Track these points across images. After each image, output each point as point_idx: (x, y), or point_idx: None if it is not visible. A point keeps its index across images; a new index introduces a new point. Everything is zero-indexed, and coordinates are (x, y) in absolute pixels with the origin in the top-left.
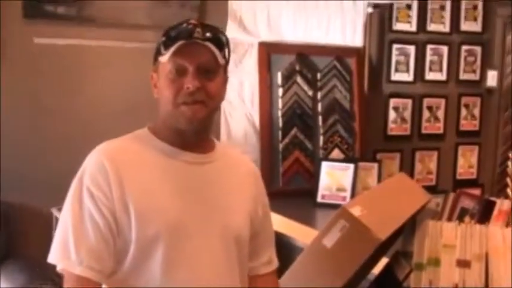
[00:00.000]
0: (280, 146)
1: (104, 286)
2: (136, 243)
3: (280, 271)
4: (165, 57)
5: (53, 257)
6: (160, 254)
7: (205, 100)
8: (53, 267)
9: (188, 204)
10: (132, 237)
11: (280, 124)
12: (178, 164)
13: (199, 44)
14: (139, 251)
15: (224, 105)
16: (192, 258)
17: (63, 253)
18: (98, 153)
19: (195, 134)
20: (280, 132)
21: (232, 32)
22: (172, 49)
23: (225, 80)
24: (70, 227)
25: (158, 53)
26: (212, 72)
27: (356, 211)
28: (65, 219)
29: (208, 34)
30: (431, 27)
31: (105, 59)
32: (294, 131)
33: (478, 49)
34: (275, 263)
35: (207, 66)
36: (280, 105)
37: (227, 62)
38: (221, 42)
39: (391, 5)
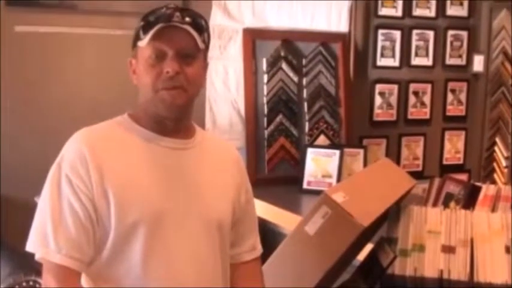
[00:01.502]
0: (266, 132)
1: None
2: (115, 231)
3: (266, 258)
4: (143, 42)
5: (30, 245)
6: (140, 241)
7: (184, 85)
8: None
9: (169, 191)
10: (111, 224)
11: (266, 111)
12: (158, 150)
13: (179, 28)
14: (119, 238)
15: (209, 92)
16: (173, 245)
17: (41, 241)
18: (77, 140)
19: (175, 120)
20: (265, 119)
21: (216, 18)
22: (151, 33)
23: (205, 65)
24: (48, 215)
25: (137, 38)
26: (192, 57)
27: (338, 197)
28: (43, 206)
29: (187, 18)
30: (417, 12)
31: (88, 46)
32: (279, 117)
33: (464, 34)
34: (259, 250)
35: (186, 51)
36: (265, 91)
37: (207, 47)
38: (201, 27)
39: None
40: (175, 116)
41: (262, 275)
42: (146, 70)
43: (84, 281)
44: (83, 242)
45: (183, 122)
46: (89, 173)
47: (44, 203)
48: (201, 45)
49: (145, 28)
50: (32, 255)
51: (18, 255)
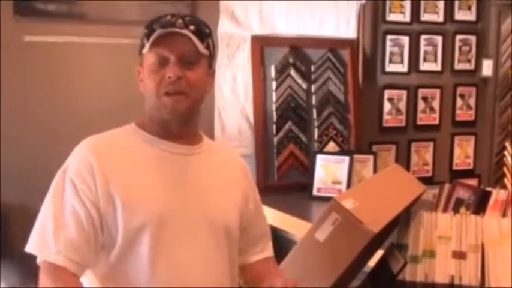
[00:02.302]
0: (275, 139)
1: (81, 278)
2: (122, 235)
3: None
4: (146, 48)
5: (31, 246)
6: (147, 244)
7: (186, 90)
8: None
9: (174, 194)
10: (118, 228)
11: (275, 118)
12: (163, 154)
13: (179, 33)
14: (126, 242)
15: (218, 100)
16: (179, 248)
17: (41, 242)
18: (83, 147)
19: (179, 124)
20: (274, 126)
21: (224, 26)
22: (152, 38)
23: (209, 72)
24: (50, 217)
25: (142, 46)
26: (194, 62)
27: (348, 203)
28: (45, 209)
29: (190, 25)
30: (425, 17)
31: (97, 55)
32: (288, 124)
33: (472, 38)
34: (268, 251)
35: (188, 56)
36: (274, 98)
37: (211, 54)
38: (203, 33)
39: None
40: (179, 121)
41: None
42: (150, 76)
43: (92, 282)
44: (83, 246)
45: (188, 127)
46: (94, 178)
47: (46, 205)
48: (203, 51)
49: (148, 35)
50: (30, 260)
51: (23, 264)
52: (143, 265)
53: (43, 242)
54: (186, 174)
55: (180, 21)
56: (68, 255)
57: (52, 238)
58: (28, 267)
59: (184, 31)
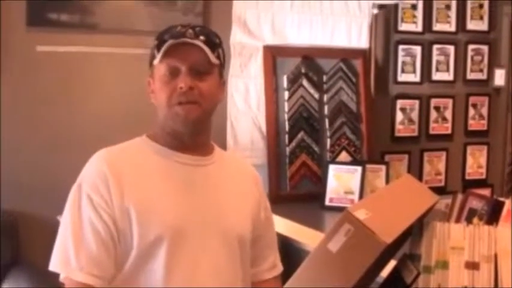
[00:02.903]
0: (287, 149)
1: None
2: (138, 248)
3: (289, 276)
4: (157, 59)
5: (53, 264)
6: (162, 257)
7: (198, 100)
8: (58, 275)
9: (188, 206)
10: (133, 241)
11: (287, 128)
12: (177, 166)
13: (190, 43)
14: (141, 254)
15: (230, 110)
16: (194, 260)
17: (63, 260)
18: (97, 160)
19: (192, 135)
20: (286, 136)
21: (236, 36)
22: (163, 49)
23: (221, 82)
24: (70, 234)
25: (152, 57)
26: (205, 73)
27: (361, 214)
28: (64, 226)
29: (201, 36)
30: (437, 27)
31: (108, 65)
32: (300, 134)
33: (485, 48)
34: (279, 268)
35: (199, 66)
36: (286, 108)
37: (222, 64)
38: (214, 43)
39: (396, 6)
40: (191, 131)
41: None
42: (161, 87)
43: None
44: (104, 259)
45: (200, 138)
46: (109, 191)
47: (65, 222)
48: (214, 60)
49: (159, 46)
50: (52, 274)
51: (38, 273)
52: (158, 278)
53: (65, 259)
54: (199, 185)
55: (190, 31)
56: (90, 271)
57: (73, 255)
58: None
59: (195, 41)
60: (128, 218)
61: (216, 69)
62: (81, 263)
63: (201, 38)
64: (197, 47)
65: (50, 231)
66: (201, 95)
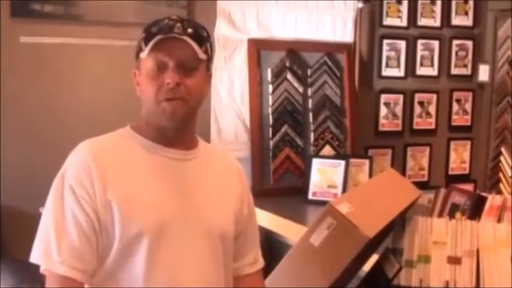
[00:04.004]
0: (271, 143)
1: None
2: (119, 241)
3: (271, 269)
4: (145, 53)
5: (34, 256)
6: (143, 252)
7: (185, 96)
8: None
9: (171, 201)
10: (115, 235)
11: (271, 121)
12: (161, 160)
13: (179, 39)
14: (122, 249)
15: (214, 103)
16: (176, 256)
17: (44, 252)
18: (81, 151)
19: (177, 130)
20: (270, 129)
21: (221, 29)
22: (151, 44)
23: (206, 76)
24: (52, 226)
25: (139, 50)
26: (192, 68)
27: (343, 208)
28: (46, 217)
29: (189, 29)
30: (422, 21)
31: (93, 57)
32: (284, 128)
33: (469, 43)
34: (261, 263)
35: (187, 62)
36: (270, 102)
37: (209, 58)
38: (202, 38)
39: (381, 0)
40: (177, 127)
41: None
42: (148, 82)
43: None
44: (86, 253)
45: (185, 133)
46: (92, 183)
47: (47, 214)
48: (202, 56)
49: (147, 39)
50: (35, 266)
51: (21, 266)
52: (139, 273)
53: (46, 251)
54: (183, 180)
55: (178, 25)
56: (71, 263)
57: (55, 247)
58: (33, 274)
59: (184, 37)
60: (110, 212)
61: (203, 64)
62: (63, 255)
63: (189, 31)
64: (185, 42)
65: (33, 224)
66: (188, 92)
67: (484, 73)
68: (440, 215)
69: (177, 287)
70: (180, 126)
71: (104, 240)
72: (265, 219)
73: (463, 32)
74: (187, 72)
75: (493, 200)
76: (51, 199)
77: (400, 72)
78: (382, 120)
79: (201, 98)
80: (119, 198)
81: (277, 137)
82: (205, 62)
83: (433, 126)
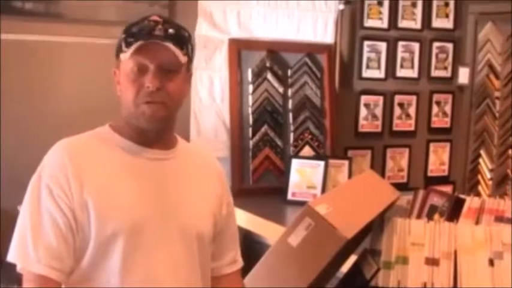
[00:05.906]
0: (251, 143)
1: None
2: (95, 241)
3: (249, 269)
4: (126, 55)
5: (11, 256)
6: (119, 252)
7: (165, 100)
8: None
9: (148, 201)
10: (91, 235)
11: (251, 121)
12: (138, 161)
13: (160, 43)
14: (98, 248)
15: (194, 102)
16: (151, 256)
17: (21, 251)
18: (57, 150)
19: (156, 132)
20: (250, 130)
21: (202, 29)
22: (132, 48)
23: (187, 77)
24: (28, 225)
25: (119, 50)
26: (173, 72)
27: (322, 209)
28: (23, 216)
29: (169, 31)
30: (403, 23)
31: (74, 55)
32: (264, 128)
33: (449, 46)
34: (239, 263)
35: (167, 66)
36: (250, 102)
37: (190, 59)
38: (183, 40)
39: (362, 2)
40: (156, 128)
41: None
42: (128, 84)
43: None
44: (63, 252)
45: (164, 134)
46: (69, 182)
47: (24, 213)
48: (183, 59)
49: (127, 41)
50: (13, 265)
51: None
52: (115, 273)
53: (23, 250)
54: (160, 180)
55: (159, 27)
56: (48, 263)
57: (32, 246)
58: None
59: (165, 42)
60: (87, 211)
61: (184, 67)
62: (39, 254)
63: (171, 33)
64: (166, 47)
65: (11, 222)
66: (168, 96)
67: (464, 76)
68: (418, 216)
69: (153, 287)
70: (159, 127)
71: (81, 239)
72: (244, 219)
73: (443, 35)
74: (168, 75)
75: (471, 202)
76: (28, 198)
77: (380, 73)
78: (362, 122)
79: (181, 100)
80: (95, 198)
81: (257, 137)
82: (186, 64)
83: (412, 128)
